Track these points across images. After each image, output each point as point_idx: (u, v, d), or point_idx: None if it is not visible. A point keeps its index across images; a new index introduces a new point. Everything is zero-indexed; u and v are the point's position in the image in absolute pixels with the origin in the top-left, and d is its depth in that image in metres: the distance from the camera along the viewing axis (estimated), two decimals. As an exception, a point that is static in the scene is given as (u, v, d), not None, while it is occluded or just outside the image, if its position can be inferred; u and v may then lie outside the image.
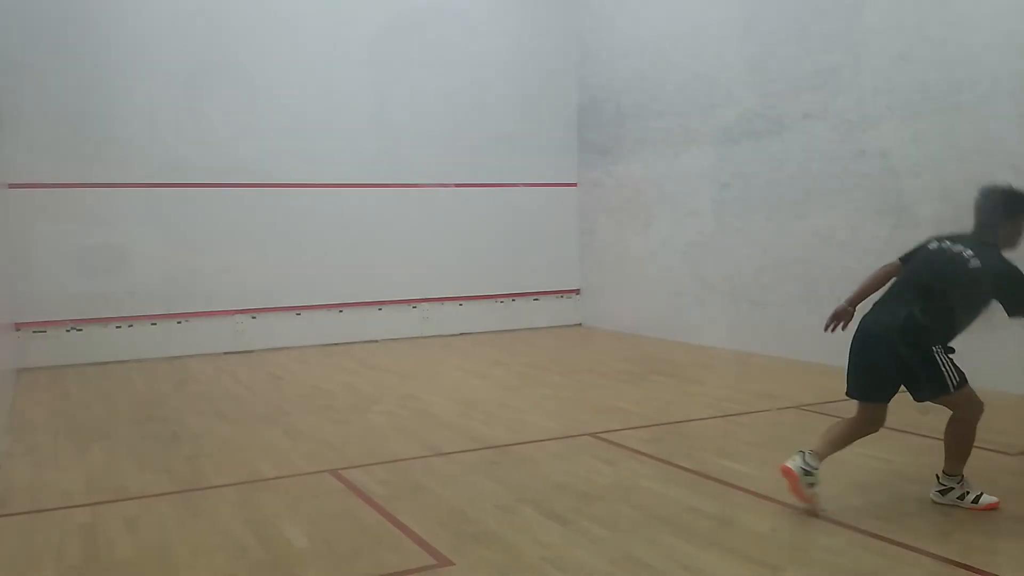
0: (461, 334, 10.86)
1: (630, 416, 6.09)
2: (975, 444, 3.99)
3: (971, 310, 3.93)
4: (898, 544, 3.54)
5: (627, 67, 10.61)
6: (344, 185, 10.30)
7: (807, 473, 3.90)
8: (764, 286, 8.75)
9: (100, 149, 9.15)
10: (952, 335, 3.94)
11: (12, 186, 8.58)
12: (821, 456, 3.96)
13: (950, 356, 3.90)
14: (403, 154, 10.60)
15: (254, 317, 9.88)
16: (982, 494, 3.96)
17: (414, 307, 10.77)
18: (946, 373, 3.86)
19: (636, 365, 8.39)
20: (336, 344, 10.11)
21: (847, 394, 4.09)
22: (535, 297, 11.49)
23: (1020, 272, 3.85)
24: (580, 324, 11.68)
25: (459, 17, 10.80)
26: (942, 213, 6.89)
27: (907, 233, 6.78)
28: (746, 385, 7.19)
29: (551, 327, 11.40)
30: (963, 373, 3.90)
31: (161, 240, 9.39)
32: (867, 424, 4.03)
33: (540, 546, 3.62)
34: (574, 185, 11.68)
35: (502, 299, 11.27)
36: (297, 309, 10.11)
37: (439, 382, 7.72)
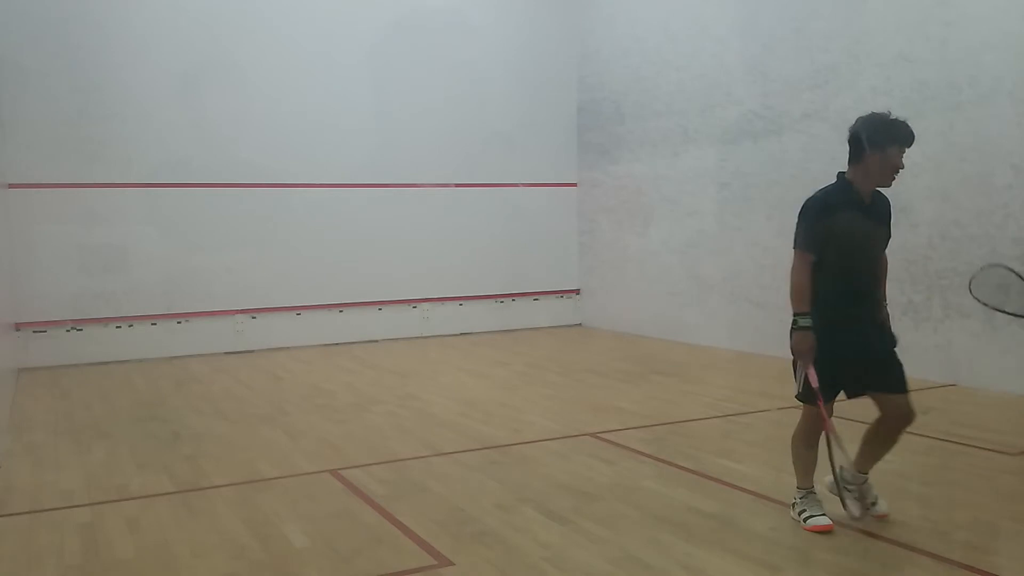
0: (461, 334, 10.85)
1: (630, 416, 6.09)
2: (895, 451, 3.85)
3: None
4: (898, 544, 3.54)
5: (627, 67, 10.61)
6: (344, 185, 10.30)
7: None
8: (764, 286, 8.74)
9: (100, 149, 9.14)
10: (829, 312, 3.71)
11: (12, 186, 8.59)
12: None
13: (826, 358, 3.65)
14: (403, 154, 10.60)
15: (254, 317, 9.88)
16: (814, 516, 3.70)
17: (414, 307, 10.77)
18: (797, 375, 3.75)
19: (636, 365, 8.39)
20: (336, 344, 10.11)
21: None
22: (535, 297, 11.49)
23: (803, 210, 3.88)
24: (580, 324, 11.67)
25: (459, 17, 10.81)
26: (942, 213, 6.90)
27: (906, 233, 6.79)
28: (746, 385, 7.19)
29: (551, 327, 11.40)
30: (812, 389, 3.68)
31: (161, 240, 9.39)
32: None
33: (540, 546, 3.62)
34: (574, 185, 11.68)
35: (502, 299, 11.27)
36: (297, 309, 10.11)
37: (439, 382, 7.72)
